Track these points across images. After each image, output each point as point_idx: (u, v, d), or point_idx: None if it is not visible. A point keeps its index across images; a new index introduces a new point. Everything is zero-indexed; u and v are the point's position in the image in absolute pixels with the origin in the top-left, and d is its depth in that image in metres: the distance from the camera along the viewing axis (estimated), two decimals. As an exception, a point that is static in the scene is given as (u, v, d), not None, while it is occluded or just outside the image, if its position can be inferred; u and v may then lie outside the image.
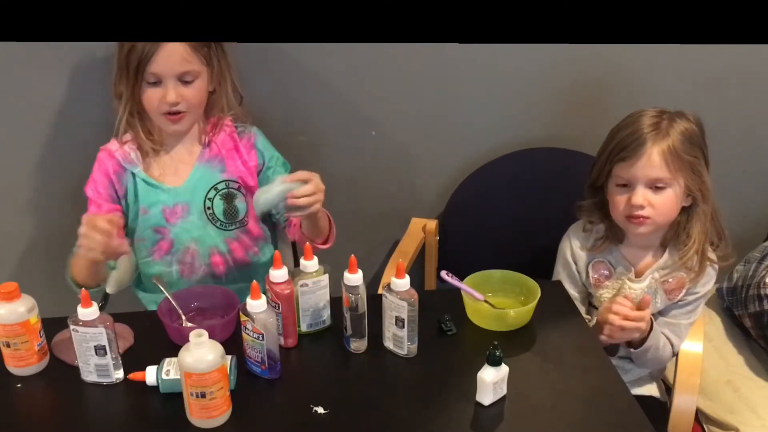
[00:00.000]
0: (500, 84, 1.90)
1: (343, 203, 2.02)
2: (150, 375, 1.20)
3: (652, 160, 1.40)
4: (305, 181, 1.36)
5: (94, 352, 1.20)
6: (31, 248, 2.00)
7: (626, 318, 1.41)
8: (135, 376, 1.22)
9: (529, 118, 1.95)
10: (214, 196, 1.59)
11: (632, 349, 1.50)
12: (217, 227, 1.61)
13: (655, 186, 1.42)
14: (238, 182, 1.60)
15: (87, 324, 1.18)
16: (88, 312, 1.18)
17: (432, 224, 1.98)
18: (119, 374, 1.24)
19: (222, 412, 1.14)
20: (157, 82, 1.48)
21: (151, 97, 1.49)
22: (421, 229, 1.98)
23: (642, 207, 1.42)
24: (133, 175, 1.57)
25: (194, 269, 1.61)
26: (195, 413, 1.13)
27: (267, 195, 1.36)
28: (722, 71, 1.88)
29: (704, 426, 1.66)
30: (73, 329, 1.19)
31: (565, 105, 1.92)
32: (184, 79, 1.48)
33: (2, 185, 1.90)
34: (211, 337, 1.13)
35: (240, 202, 1.61)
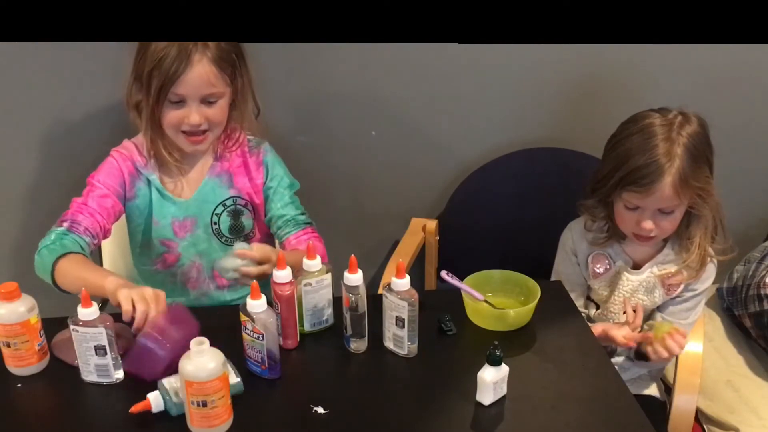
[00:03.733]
0: (500, 84, 1.90)
1: (343, 203, 2.03)
2: (156, 402, 1.14)
3: (665, 194, 1.39)
4: (260, 262, 1.35)
5: (94, 352, 1.20)
6: (31, 248, 1.99)
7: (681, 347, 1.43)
8: (138, 407, 1.14)
9: (529, 118, 1.95)
10: (222, 212, 1.57)
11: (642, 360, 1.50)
12: (222, 242, 1.60)
13: (663, 211, 1.43)
14: (245, 199, 1.59)
15: (87, 324, 1.18)
16: (88, 312, 1.18)
17: (432, 224, 1.98)
18: (119, 374, 1.24)
19: (223, 421, 1.13)
20: (180, 102, 1.44)
21: (173, 116, 1.44)
22: (421, 229, 1.98)
23: (651, 230, 1.44)
24: (149, 182, 1.54)
25: (198, 282, 1.60)
26: (196, 422, 1.12)
27: (222, 263, 1.37)
28: (722, 71, 1.88)
29: (704, 426, 1.66)
30: (73, 329, 1.19)
31: (566, 105, 1.92)
32: (207, 100, 1.45)
33: (3, 185, 1.91)
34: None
35: (246, 219, 1.60)
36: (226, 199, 1.57)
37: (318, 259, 1.32)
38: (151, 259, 1.60)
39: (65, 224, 1.45)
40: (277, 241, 1.66)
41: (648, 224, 1.43)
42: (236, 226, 1.59)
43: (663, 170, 1.38)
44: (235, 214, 1.59)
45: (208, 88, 1.43)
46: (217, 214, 1.57)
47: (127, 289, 1.26)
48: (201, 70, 1.41)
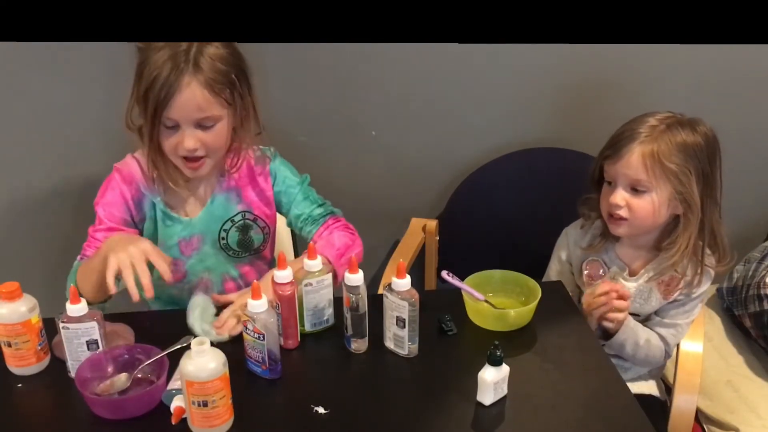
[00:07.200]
0: (500, 84, 1.90)
1: (343, 203, 2.02)
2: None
3: (631, 161, 1.40)
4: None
5: (86, 347, 1.20)
6: (32, 248, 2.00)
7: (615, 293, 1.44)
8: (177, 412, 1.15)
9: (529, 118, 1.95)
10: (231, 228, 1.53)
11: (604, 341, 1.50)
12: (230, 255, 1.57)
13: (636, 188, 1.43)
14: (254, 213, 1.55)
15: (77, 320, 1.19)
16: (78, 308, 1.18)
17: (432, 224, 1.98)
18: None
19: (224, 421, 1.12)
20: (175, 127, 1.37)
21: (170, 141, 1.38)
22: (421, 229, 1.98)
23: (619, 207, 1.44)
24: (153, 204, 1.49)
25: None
26: (196, 422, 1.12)
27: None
28: (723, 71, 1.88)
29: (704, 426, 1.66)
30: (63, 327, 1.19)
31: (566, 105, 1.92)
32: (203, 124, 1.37)
33: (4, 185, 1.91)
34: (129, 407, 1.16)
35: (256, 234, 1.56)
36: (235, 215, 1.54)
37: (319, 259, 1.32)
38: (156, 276, 1.57)
39: (79, 258, 1.48)
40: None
41: (616, 198, 1.43)
42: (245, 241, 1.56)
43: (635, 137, 1.41)
44: (244, 229, 1.55)
45: (199, 112, 1.35)
46: (225, 230, 1.54)
47: (114, 257, 1.25)
48: (190, 94, 1.33)
